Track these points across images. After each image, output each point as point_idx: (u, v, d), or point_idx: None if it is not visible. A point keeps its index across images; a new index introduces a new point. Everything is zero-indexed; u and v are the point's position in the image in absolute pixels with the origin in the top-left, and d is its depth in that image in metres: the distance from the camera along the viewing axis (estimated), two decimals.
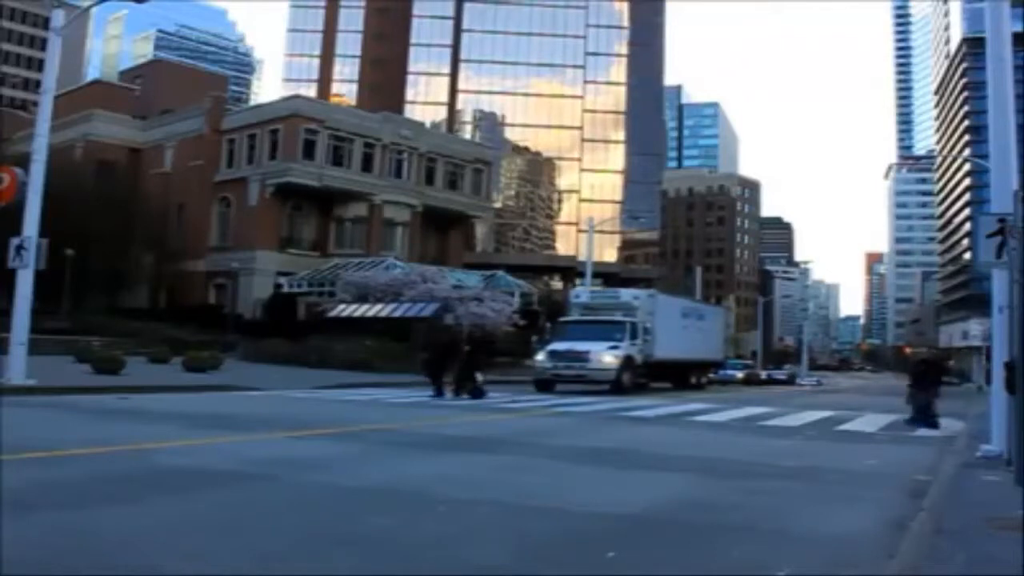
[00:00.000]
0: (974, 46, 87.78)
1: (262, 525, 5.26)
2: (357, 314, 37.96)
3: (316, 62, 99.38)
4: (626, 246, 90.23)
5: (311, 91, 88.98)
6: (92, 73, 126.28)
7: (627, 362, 24.39)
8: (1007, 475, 7.72)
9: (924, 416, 15.35)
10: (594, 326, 25.64)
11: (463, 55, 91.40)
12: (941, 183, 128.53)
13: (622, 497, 6.90)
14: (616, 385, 23.72)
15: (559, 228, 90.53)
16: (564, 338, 25.38)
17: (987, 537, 5.21)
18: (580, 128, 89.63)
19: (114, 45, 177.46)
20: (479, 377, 18.44)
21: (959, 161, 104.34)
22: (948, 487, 7.42)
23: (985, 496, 6.99)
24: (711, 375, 36.68)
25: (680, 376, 30.55)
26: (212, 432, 10.14)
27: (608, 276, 63.72)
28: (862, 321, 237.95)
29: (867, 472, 9.20)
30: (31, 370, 15.23)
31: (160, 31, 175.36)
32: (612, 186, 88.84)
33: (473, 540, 5.10)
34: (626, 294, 29.07)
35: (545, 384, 24.37)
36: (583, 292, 31.73)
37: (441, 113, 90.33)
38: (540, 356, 25.22)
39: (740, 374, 50.47)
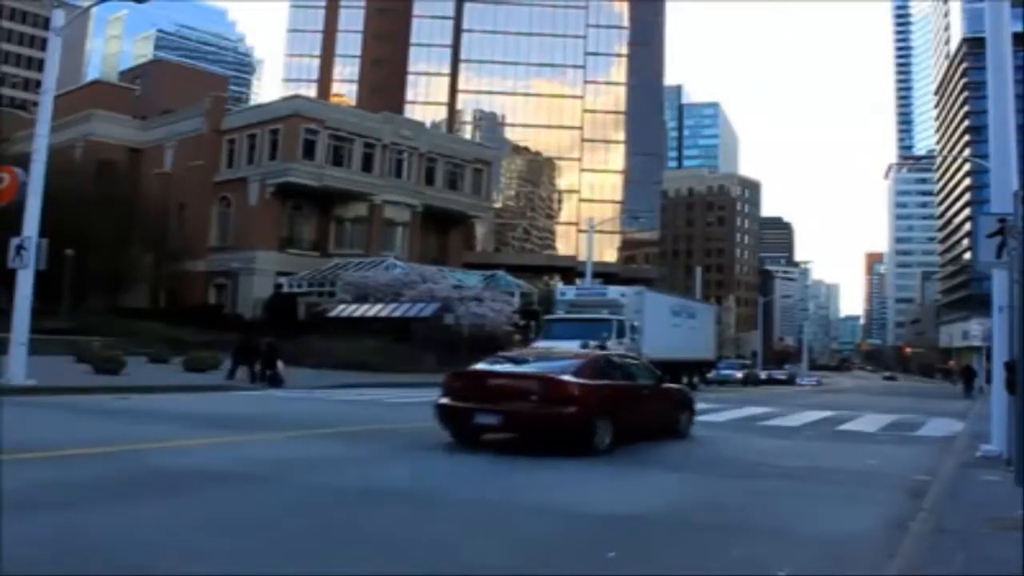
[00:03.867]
0: (974, 46, 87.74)
1: (262, 525, 5.26)
2: (357, 314, 37.93)
3: (316, 62, 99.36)
4: (626, 246, 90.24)
5: (311, 91, 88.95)
6: (92, 73, 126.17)
7: None
8: (1007, 475, 7.72)
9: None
10: (580, 324, 24.48)
11: (463, 55, 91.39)
12: (941, 183, 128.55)
13: (623, 497, 6.90)
14: None
15: (559, 228, 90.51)
16: (548, 337, 24.42)
17: (987, 537, 5.21)
18: (580, 128, 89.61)
19: (114, 45, 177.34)
20: (279, 366, 21.28)
21: (959, 161, 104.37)
22: (948, 487, 7.42)
23: (985, 496, 6.99)
24: (708, 375, 35.65)
25: (672, 376, 30.00)
26: (212, 432, 10.15)
27: (608, 276, 63.63)
28: (862, 321, 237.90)
29: (867, 472, 9.20)
30: (31, 370, 15.23)
31: (160, 31, 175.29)
32: (612, 186, 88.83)
33: (474, 540, 5.10)
34: (613, 291, 27.92)
35: None
36: (569, 289, 30.72)
37: (441, 113, 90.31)
38: None
39: (739, 374, 49.08)
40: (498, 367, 10.30)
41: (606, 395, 9.85)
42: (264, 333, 23.99)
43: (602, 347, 23.95)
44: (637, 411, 10.65)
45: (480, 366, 10.41)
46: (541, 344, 24.21)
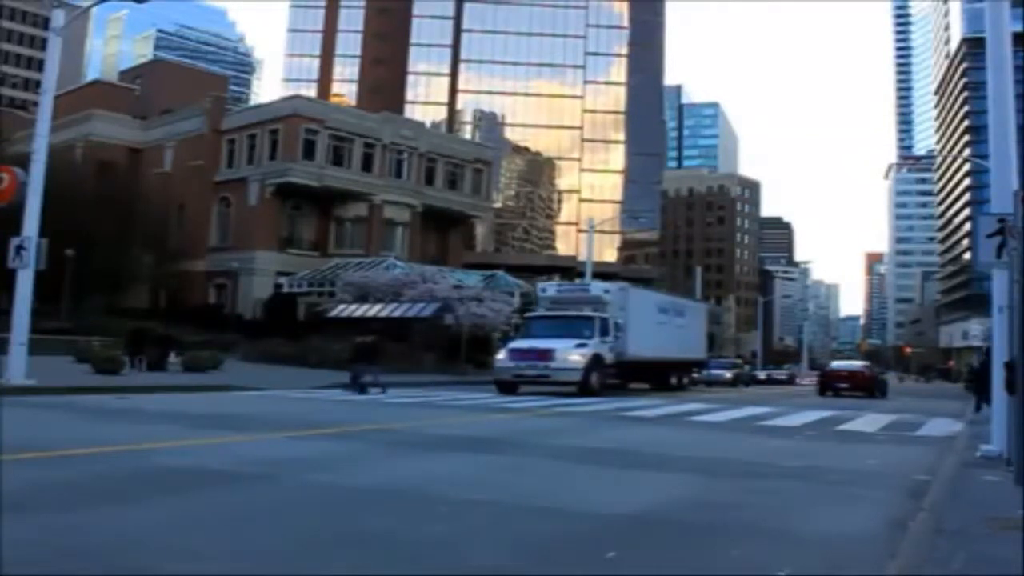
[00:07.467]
0: (974, 46, 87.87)
1: (262, 525, 5.26)
2: (357, 314, 37.89)
3: (316, 62, 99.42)
4: (626, 246, 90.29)
5: (311, 91, 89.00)
6: (92, 73, 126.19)
7: (595, 361, 22.32)
8: (1007, 475, 7.71)
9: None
10: (561, 322, 23.60)
11: (463, 55, 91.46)
12: (941, 183, 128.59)
13: (622, 497, 6.90)
14: (583, 386, 21.60)
15: (559, 228, 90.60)
16: (529, 335, 23.56)
17: (987, 537, 5.20)
18: (580, 128, 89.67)
19: (114, 45, 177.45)
20: (171, 357, 23.82)
21: (959, 161, 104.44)
22: (948, 487, 7.41)
23: (985, 496, 6.98)
24: (694, 375, 34.45)
25: (659, 376, 28.78)
26: (212, 432, 10.14)
27: (608, 276, 63.59)
28: (862, 321, 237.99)
29: (867, 472, 9.18)
30: (31, 370, 15.22)
31: (160, 31, 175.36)
32: (612, 186, 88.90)
33: (474, 540, 5.10)
34: (596, 287, 27.06)
35: (507, 386, 22.20)
36: (550, 286, 29.73)
37: (441, 113, 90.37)
38: (501, 355, 23.14)
39: (728, 374, 43.47)
40: (840, 367, 35.44)
41: (875, 377, 34.95)
42: (147, 321, 27.06)
43: (583, 345, 23.52)
44: (879, 383, 34.09)
45: (834, 366, 36.80)
46: (521, 343, 23.19)
